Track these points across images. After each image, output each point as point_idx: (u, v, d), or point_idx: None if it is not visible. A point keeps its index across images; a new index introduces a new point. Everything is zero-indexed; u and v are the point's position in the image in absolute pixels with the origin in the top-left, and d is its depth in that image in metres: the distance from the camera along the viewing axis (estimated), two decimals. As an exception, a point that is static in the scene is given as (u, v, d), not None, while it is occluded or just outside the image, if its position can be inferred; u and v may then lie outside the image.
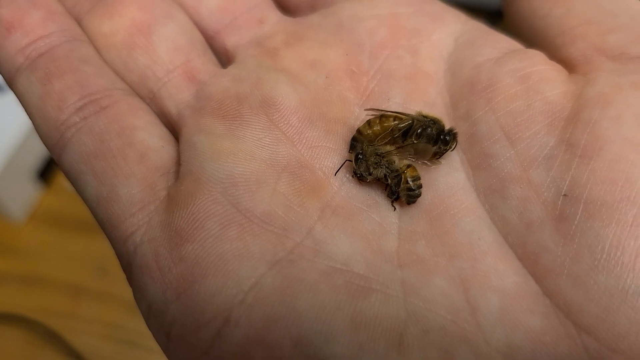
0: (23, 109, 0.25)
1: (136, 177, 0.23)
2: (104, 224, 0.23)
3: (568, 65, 0.25)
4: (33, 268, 0.62)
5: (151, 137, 0.24)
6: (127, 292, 0.61)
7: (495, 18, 0.74)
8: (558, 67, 0.24)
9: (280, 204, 0.22)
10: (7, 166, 0.59)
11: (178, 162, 0.24)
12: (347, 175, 0.24)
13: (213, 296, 0.20)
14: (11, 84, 0.26)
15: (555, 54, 0.25)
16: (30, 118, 0.25)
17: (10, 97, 0.61)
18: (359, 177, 0.24)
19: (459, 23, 0.27)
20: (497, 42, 0.26)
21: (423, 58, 0.26)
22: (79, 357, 0.56)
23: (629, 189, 0.20)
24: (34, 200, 0.65)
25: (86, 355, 0.56)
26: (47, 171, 0.66)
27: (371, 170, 0.24)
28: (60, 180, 0.66)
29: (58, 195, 0.66)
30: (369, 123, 0.25)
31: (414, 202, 0.23)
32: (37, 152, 0.64)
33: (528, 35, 0.27)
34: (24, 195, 0.64)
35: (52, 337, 0.57)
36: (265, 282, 0.20)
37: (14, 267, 0.62)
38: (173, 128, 0.26)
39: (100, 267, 0.61)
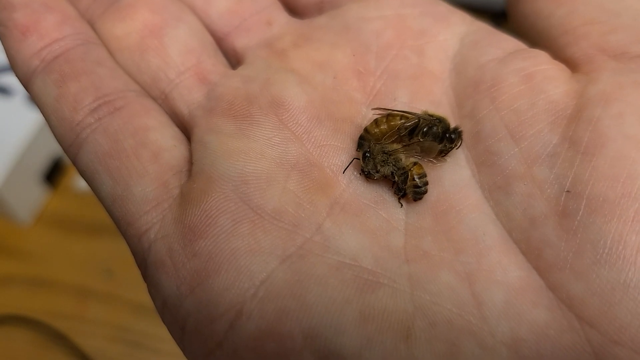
0: (39, 110, 0.26)
1: (150, 175, 0.24)
2: (119, 221, 0.24)
3: (571, 64, 0.25)
4: (40, 270, 0.62)
5: (164, 137, 0.25)
6: (133, 294, 0.62)
7: (500, 19, 0.75)
8: (561, 67, 0.25)
9: (290, 201, 0.23)
10: (13, 169, 0.60)
11: (190, 161, 0.25)
12: (355, 173, 0.25)
13: (226, 290, 0.21)
14: (27, 86, 0.26)
15: (558, 54, 0.26)
16: (46, 119, 0.26)
17: (16, 100, 0.63)
18: (367, 175, 0.25)
19: (464, 24, 0.28)
20: (502, 42, 0.26)
21: (429, 58, 0.27)
22: (86, 359, 0.57)
23: (630, 186, 0.20)
24: (40, 203, 0.66)
25: (93, 356, 0.57)
26: (53, 173, 0.66)
27: (378, 168, 0.24)
28: (67, 182, 0.67)
29: (64, 197, 0.66)
30: (376, 122, 0.25)
31: (420, 198, 0.24)
32: (44, 154, 0.64)
33: (532, 35, 0.28)
34: (30, 197, 0.64)
35: (59, 339, 0.58)
36: (276, 277, 0.21)
37: (20, 269, 0.62)
38: (185, 128, 0.26)
39: (106, 269, 0.61)
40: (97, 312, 0.60)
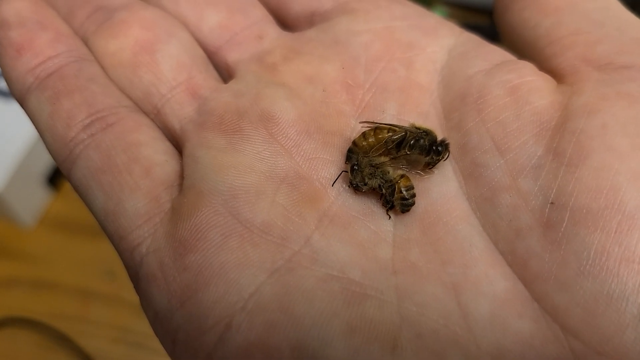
0: (34, 127, 0.27)
1: (141, 190, 0.24)
2: (112, 236, 0.24)
3: (557, 75, 0.25)
4: (43, 272, 0.63)
5: (155, 152, 0.25)
6: (135, 296, 0.62)
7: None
8: (547, 78, 0.25)
9: (278, 214, 0.23)
10: (16, 172, 0.60)
11: (181, 176, 0.25)
12: (344, 186, 0.25)
13: (215, 303, 0.21)
14: (22, 103, 0.27)
15: (544, 65, 0.26)
16: (40, 135, 0.27)
17: (18, 104, 0.63)
18: (355, 188, 0.25)
19: (452, 36, 0.28)
20: (489, 54, 0.27)
21: (417, 71, 0.27)
22: (89, 360, 0.57)
23: (613, 197, 0.21)
24: (43, 206, 0.66)
25: (95, 358, 0.58)
26: (56, 176, 0.67)
27: (366, 180, 0.25)
28: (69, 185, 0.67)
29: (67, 200, 0.67)
30: (364, 135, 0.25)
31: (407, 210, 0.24)
32: (46, 157, 0.65)
33: (519, 45, 0.28)
34: (33, 200, 0.65)
35: (62, 340, 0.58)
36: (264, 290, 0.21)
37: (23, 272, 0.63)
38: (177, 142, 0.27)
39: (109, 270, 0.62)
40: (100, 313, 0.60)
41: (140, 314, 0.59)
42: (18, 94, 0.27)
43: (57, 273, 0.63)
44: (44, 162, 0.65)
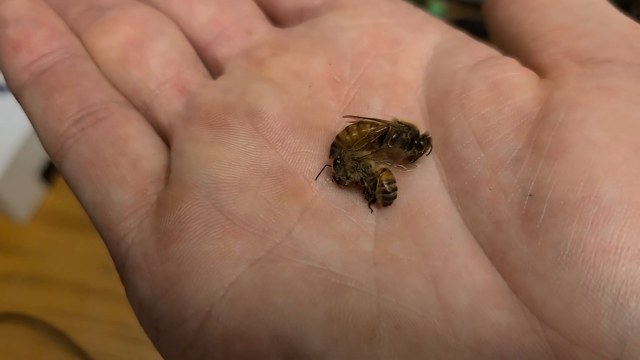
0: (28, 121, 0.28)
1: (128, 183, 0.26)
2: (100, 227, 0.26)
3: (540, 70, 0.26)
4: (38, 267, 0.64)
5: (143, 146, 0.27)
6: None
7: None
8: (529, 73, 0.26)
9: (261, 207, 0.24)
10: (10, 166, 0.61)
11: (169, 169, 0.26)
12: (328, 180, 0.26)
13: (196, 292, 0.22)
14: (18, 99, 0.29)
15: (529, 60, 0.27)
16: (35, 130, 0.28)
17: (13, 97, 0.64)
18: (338, 181, 0.26)
19: (438, 32, 0.29)
20: (474, 51, 0.28)
21: (402, 67, 0.28)
22: (85, 356, 0.58)
23: (590, 189, 0.21)
24: (38, 200, 0.67)
25: (92, 353, 0.58)
26: (50, 171, 0.67)
27: (349, 174, 0.26)
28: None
29: (62, 194, 0.68)
30: (347, 129, 0.27)
31: (389, 204, 0.25)
32: (41, 151, 0.65)
33: (507, 42, 0.29)
34: (28, 195, 0.66)
35: (58, 336, 0.59)
36: (245, 279, 0.22)
37: (19, 267, 0.64)
38: (165, 137, 0.28)
39: (104, 265, 0.63)
40: (96, 308, 0.61)
41: (136, 309, 0.60)
42: (15, 90, 0.29)
43: (52, 268, 0.64)
44: (38, 156, 0.66)
